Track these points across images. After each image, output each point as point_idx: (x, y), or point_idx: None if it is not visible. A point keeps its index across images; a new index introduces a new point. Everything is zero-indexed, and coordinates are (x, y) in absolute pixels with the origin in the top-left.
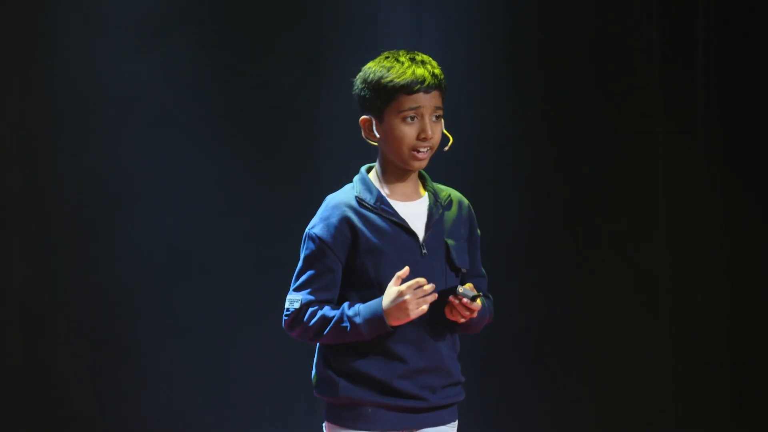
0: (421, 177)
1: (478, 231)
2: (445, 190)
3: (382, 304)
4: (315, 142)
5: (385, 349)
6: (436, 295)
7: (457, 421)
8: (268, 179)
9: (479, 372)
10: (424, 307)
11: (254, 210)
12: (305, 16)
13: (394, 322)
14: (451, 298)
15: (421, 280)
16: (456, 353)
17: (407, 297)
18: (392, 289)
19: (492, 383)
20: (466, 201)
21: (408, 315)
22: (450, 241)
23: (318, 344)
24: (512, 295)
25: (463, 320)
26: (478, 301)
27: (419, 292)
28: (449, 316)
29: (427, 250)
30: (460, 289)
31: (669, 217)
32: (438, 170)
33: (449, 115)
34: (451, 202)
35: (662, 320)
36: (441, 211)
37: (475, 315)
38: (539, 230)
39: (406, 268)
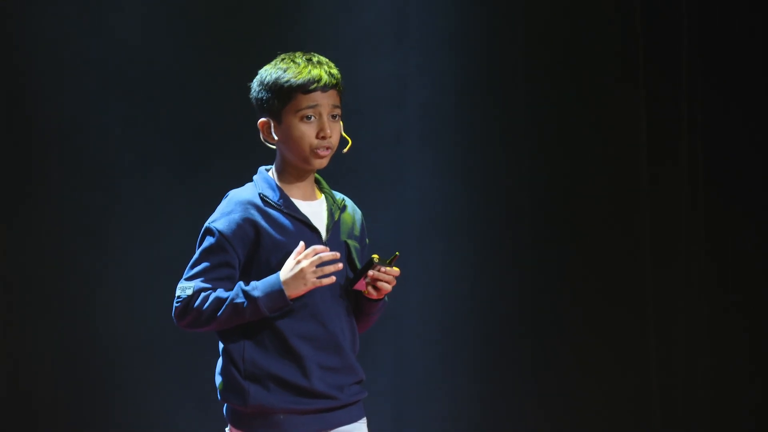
0: (316, 180)
1: (367, 240)
2: (339, 195)
3: (280, 277)
4: None
5: (292, 349)
6: (340, 265)
7: (365, 418)
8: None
9: (474, 373)
10: (324, 280)
11: None
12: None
13: (292, 292)
14: (371, 273)
15: (319, 247)
16: (356, 353)
17: (304, 265)
18: (289, 260)
19: (484, 385)
20: (359, 210)
21: (305, 284)
22: (350, 242)
23: (222, 347)
24: (495, 295)
25: (387, 289)
26: (395, 268)
27: (316, 259)
28: (370, 294)
29: (330, 248)
30: (375, 257)
31: (653, 222)
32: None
33: (441, 113)
34: (345, 206)
35: (646, 325)
36: (339, 212)
37: (394, 283)
38: (531, 230)
39: (302, 243)
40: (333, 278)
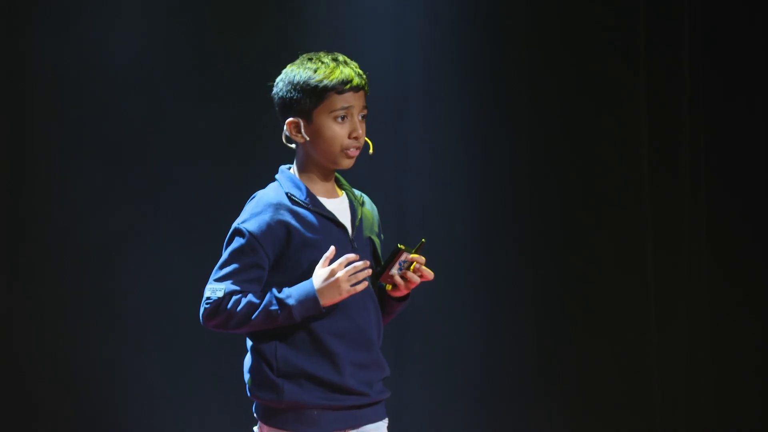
0: (335, 178)
1: (382, 236)
2: (357, 191)
3: (314, 285)
4: None
5: (325, 346)
6: (370, 271)
7: (387, 419)
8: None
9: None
10: (358, 287)
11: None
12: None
13: (327, 301)
14: (411, 257)
15: (351, 256)
16: (379, 347)
17: (339, 275)
18: (323, 270)
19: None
20: (375, 206)
21: (341, 293)
22: (374, 237)
23: (252, 345)
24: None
25: (416, 281)
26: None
27: (351, 269)
28: (398, 286)
29: (357, 244)
30: (401, 246)
31: (654, 220)
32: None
33: (442, 112)
34: (364, 202)
35: (648, 323)
36: (360, 209)
37: (428, 278)
38: (528, 230)
39: (332, 248)
40: (366, 283)
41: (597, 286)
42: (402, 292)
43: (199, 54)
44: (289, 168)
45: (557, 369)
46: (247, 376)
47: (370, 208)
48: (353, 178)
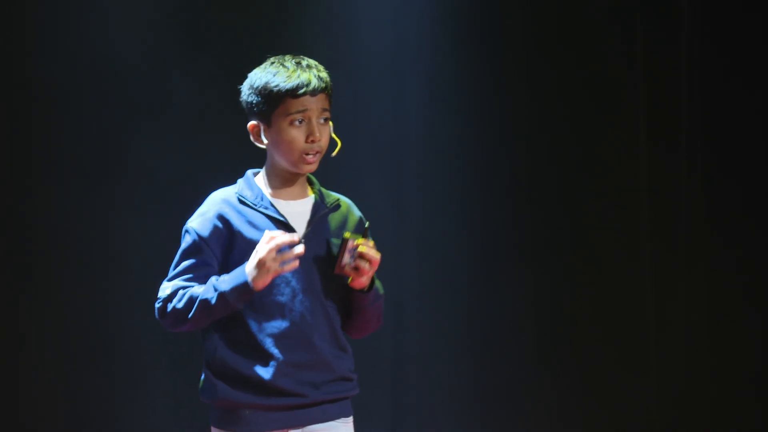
0: (309, 182)
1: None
2: (335, 196)
3: (245, 268)
4: None
5: (261, 347)
6: (301, 248)
7: (351, 417)
8: None
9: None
10: (286, 266)
11: None
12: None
13: (258, 282)
14: (349, 253)
15: (275, 232)
16: (343, 351)
17: (261, 254)
18: (252, 254)
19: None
20: (358, 212)
21: (268, 271)
22: (335, 241)
23: (204, 349)
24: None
25: (366, 269)
26: (366, 248)
27: (273, 246)
28: (353, 279)
29: (306, 246)
30: (347, 234)
31: (654, 219)
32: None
33: (443, 113)
34: (339, 206)
35: (646, 323)
36: (326, 211)
37: (375, 261)
38: (528, 231)
39: (266, 232)
40: (296, 263)
41: (597, 286)
42: (360, 282)
43: (199, 53)
44: (256, 173)
45: (557, 369)
46: (201, 378)
47: (344, 213)
48: (354, 181)
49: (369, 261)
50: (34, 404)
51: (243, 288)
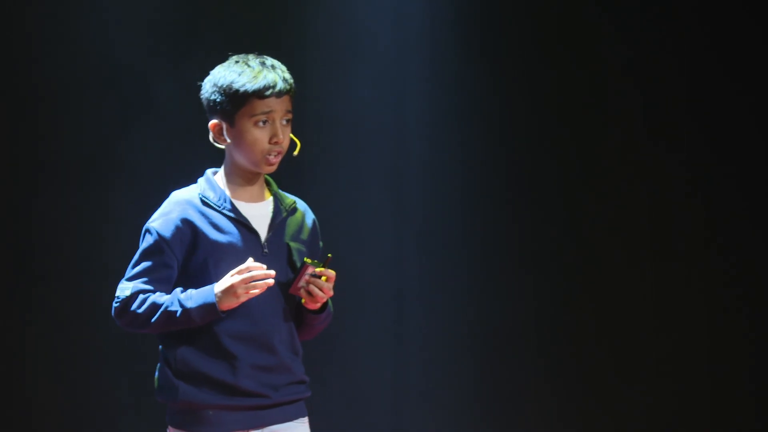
0: (266, 182)
1: (321, 243)
2: (291, 198)
3: (214, 289)
4: None
5: (223, 348)
6: (272, 280)
7: (306, 418)
8: None
9: (474, 372)
10: (254, 291)
11: None
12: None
13: (224, 305)
14: (306, 278)
15: (253, 264)
16: (297, 355)
17: (234, 281)
18: (226, 277)
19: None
20: (312, 214)
21: (237, 298)
22: (293, 244)
23: (160, 347)
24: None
25: (320, 296)
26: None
27: (247, 278)
28: (307, 302)
29: (268, 249)
30: (308, 260)
31: (654, 219)
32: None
33: (443, 113)
34: (296, 209)
35: (647, 323)
36: (285, 215)
37: (329, 291)
38: (528, 233)
39: (249, 260)
40: (263, 288)
41: (597, 286)
42: (314, 305)
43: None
44: (215, 172)
45: (557, 369)
46: (155, 380)
47: (301, 215)
48: (354, 181)
49: (322, 290)
50: (35, 404)
51: (209, 308)
